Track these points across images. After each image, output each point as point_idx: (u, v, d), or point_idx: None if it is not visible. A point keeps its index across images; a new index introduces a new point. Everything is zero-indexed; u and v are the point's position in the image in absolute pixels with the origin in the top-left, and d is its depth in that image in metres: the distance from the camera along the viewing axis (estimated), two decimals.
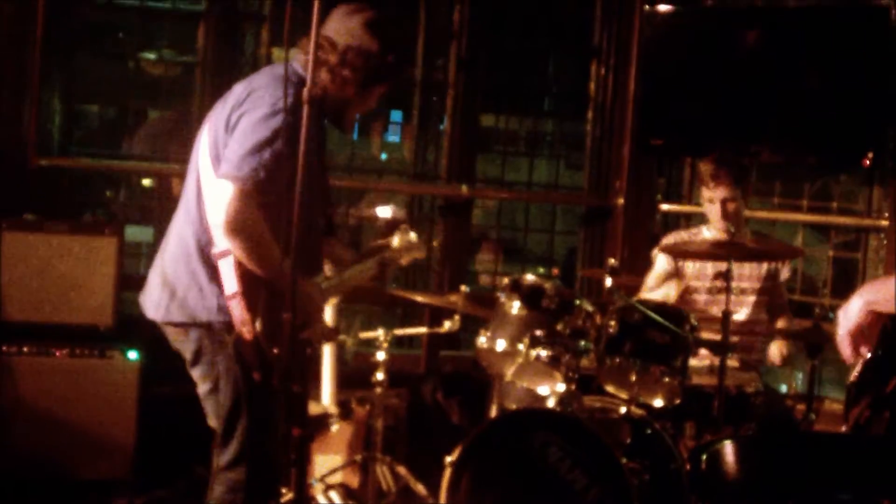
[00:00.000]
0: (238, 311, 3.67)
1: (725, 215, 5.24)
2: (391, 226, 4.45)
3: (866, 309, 3.10)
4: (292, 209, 3.22)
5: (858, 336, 3.11)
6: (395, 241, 4.26)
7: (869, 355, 3.10)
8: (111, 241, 5.58)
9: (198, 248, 3.82)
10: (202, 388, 3.93)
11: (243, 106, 3.75)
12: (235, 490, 3.89)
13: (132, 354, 5.45)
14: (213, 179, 3.74)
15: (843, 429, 3.26)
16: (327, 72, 3.85)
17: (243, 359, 3.75)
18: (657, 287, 5.49)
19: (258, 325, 3.66)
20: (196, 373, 3.93)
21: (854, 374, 3.19)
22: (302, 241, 3.38)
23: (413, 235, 4.32)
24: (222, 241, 3.70)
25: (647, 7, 6.50)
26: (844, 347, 3.15)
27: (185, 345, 3.91)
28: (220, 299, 3.75)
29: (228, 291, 3.70)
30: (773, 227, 6.73)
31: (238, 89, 3.87)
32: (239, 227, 3.61)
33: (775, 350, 5.30)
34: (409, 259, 4.31)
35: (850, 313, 3.13)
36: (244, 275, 3.68)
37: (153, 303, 3.93)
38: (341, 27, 3.84)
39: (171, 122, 6.91)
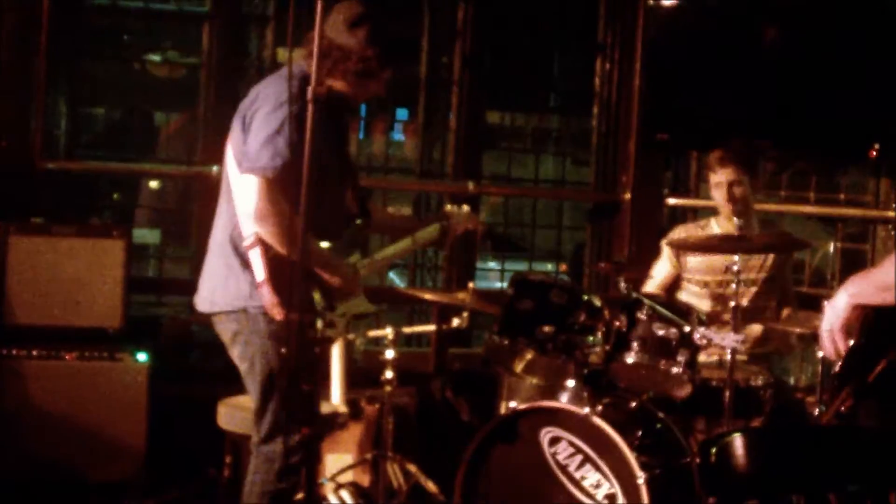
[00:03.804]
0: (268, 295, 3.99)
1: (732, 198, 5.27)
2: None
3: (852, 303, 3.10)
4: (313, 195, 3.47)
5: (845, 330, 3.12)
6: (449, 208, 4.77)
7: (851, 343, 3.11)
8: (119, 243, 5.58)
9: (230, 241, 4.17)
10: (241, 368, 4.25)
11: (254, 105, 4.11)
12: (272, 460, 4.17)
13: (141, 356, 5.45)
14: (237, 176, 4.07)
15: (825, 419, 3.27)
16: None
17: (276, 337, 4.06)
18: (664, 282, 5.52)
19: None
20: (234, 353, 4.25)
21: (839, 364, 3.20)
22: (328, 224, 4.04)
23: (465, 207, 4.82)
24: (251, 233, 4.01)
25: (651, 2, 6.50)
26: (829, 343, 3.14)
27: (224, 328, 4.24)
28: (252, 286, 4.08)
29: (258, 278, 4.02)
30: (782, 219, 6.72)
31: (252, 91, 4.23)
32: (266, 215, 3.93)
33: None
34: (463, 228, 4.72)
35: (837, 308, 3.13)
36: (272, 262, 3.98)
37: (202, 298, 4.31)
38: (329, 24, 4.13)
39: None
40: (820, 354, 4.67)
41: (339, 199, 4.36)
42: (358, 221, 4.51)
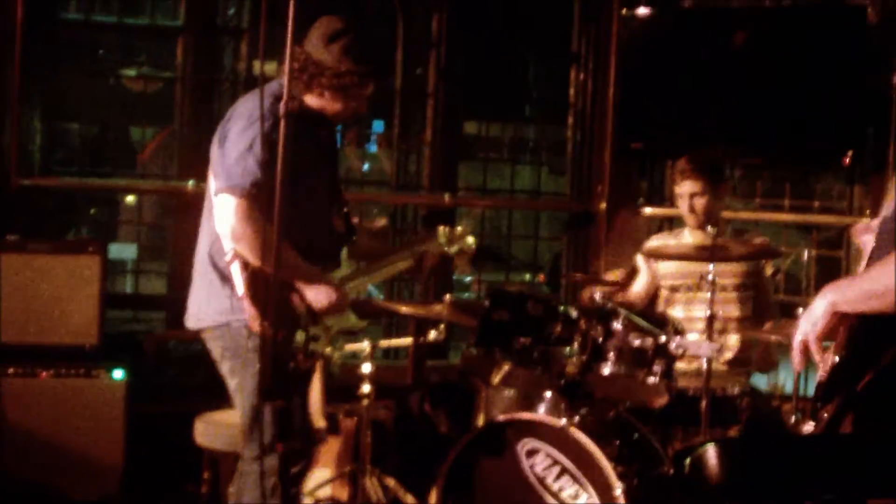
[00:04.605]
0: (249, 309, 3.94)
1: (692, 210, 5.28)
2: (383, 233, 4.64)
3: (832, 310, 3.07)
4: (300, 214, 3.56)
5: (822, 339, 3.09)
6: (440, 233, 4.67)
7: (836, 358, 3.09)
8: (94, 259, 5.56)
9: (209, 256, 4.17)
10: (230, 385, 4.22)
11: (228, 123, 4.10)
12: (269, 475, 4.05)
13: (118, 373, 5.43)
14: (214, 194, 4.05)
15: (813, 428, 3.26)
16: (296, 79, 4.11)
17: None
18: (645, 293, 5.54)
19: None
20: (223, 369, 4.22)
21: (821, 373, 3.19)
22: (314, 242, 4.06)
23: (459, 228, 4.74)
24: (230, 249, 3.99)
25: (624, 11, 6.52)
26: (799, 353, 3.11)
27: (213, 345, 4.22)
28: (233, 300, 4.06)
29: (239, 293, 4.00)
30: (756, 226, 6.74)
31: (231, 109, 4.22)
32: (241, 234, 3.90)
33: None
34: (457, 249, 4.69)
35: (815, 316, 3.09)
36: (251, 276, 3.94)
37: (189, 314, 4.29)
38: (308, 38, 4.14)
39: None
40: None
41: (330, 220, 4.33)
42: (354, 239, 4.46)
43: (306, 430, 4.36)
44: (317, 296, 4.06)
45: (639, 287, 5.56)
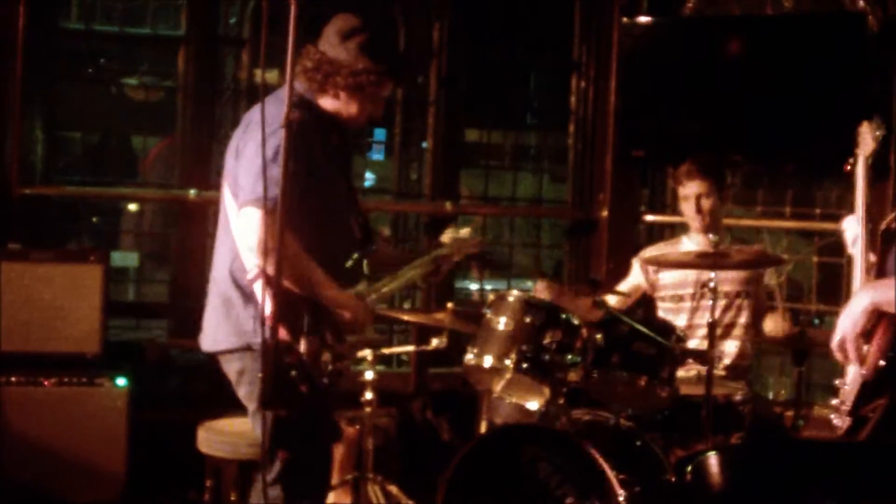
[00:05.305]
0: (280, 331, 3.63)
1: (700, 210, 5.30)
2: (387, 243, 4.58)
3: (871, 310, 3.15)
4: (319, 223, 3.49)
5: (862, 336, 3.17)
6: (446, 237, 4.57)
7: (882, 361, 3.16)
8: (96, 268, 5.57)
9: (231, 275, 3.97)
10: (249, 408, 4.06)
11: (247, 133, 3.91)
12: (272, 485, 3.91)
13: (120, 381, 5.44)
14: (235, 209, 3.85)
15: (847, 424, 3.30)
16: (310, 80, 4.01)
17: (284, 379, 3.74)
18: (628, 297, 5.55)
19: (303, 343, 3.73)
20: (240, 392, 4.05)
21: (862, 371, 3.24)
22: (337, 254, 3.86)
23: (463, 231, 4.63)
24: (253, 266, 3.79)
25: (625, 19, 6.53)
26: (842, 350, 3.19)
27: (229, 367, 4.04)
28: (255, 321, 3.86)
29: (265, 313, 3.68)
30: (759, 233, 6.75)
31: (245, 117, 4.06)
32: (269, 248, 3.63)
33: (772, 324, 5.34)
34: (463, 254, 4.55)
35: (854, 313, 3.17)
36: (278, 295, 3.59)
37: (204, 336, 4.11)
38: (322, 37, 4.01)
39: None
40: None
41: (349, 229, 4.16)
42: (374, 247, 4.31)
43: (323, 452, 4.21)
44: (344, 314, 3.90)
45: (623, 287, 5.57)
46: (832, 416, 3.53)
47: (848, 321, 3.19)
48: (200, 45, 6.52)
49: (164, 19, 6.83)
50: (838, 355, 3.22)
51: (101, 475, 5.36)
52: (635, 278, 5.61)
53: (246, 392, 4.02)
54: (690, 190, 5.34)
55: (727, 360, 5.34)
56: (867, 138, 3.92)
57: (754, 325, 5.44)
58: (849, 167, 4.05)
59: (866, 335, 3.23)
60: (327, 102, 4.06)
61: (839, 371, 3.58)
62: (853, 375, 3.44)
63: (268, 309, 3.64)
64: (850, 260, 6.41)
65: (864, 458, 3.07)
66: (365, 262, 4.18)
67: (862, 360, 3.23)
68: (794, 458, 3.14)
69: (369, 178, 8.52)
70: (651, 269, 5.52)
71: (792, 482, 3.02)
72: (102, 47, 7.00)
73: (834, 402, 3.56)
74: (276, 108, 3.70)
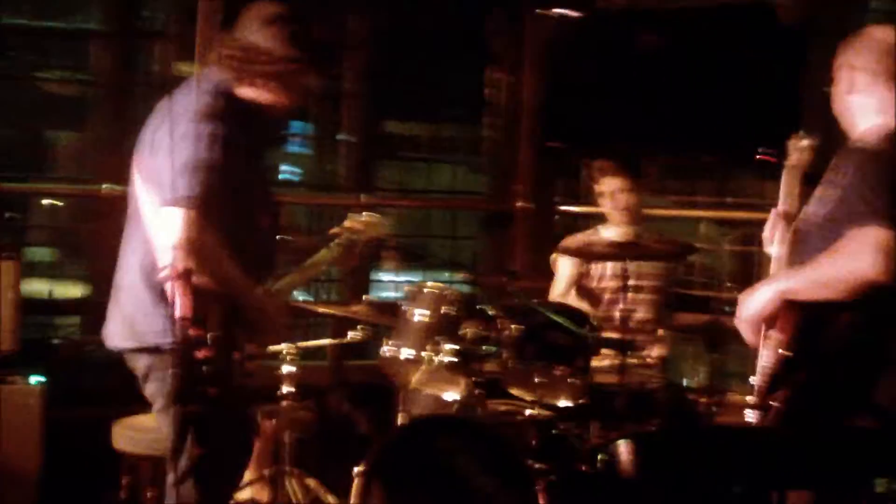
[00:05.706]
0: (187, 331, 3.54)
1: (618, 206, 5.34)
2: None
3: (780, 297, 3.24)
4: (233, 217, 3.42)
5: (766, 321, 3.25)
6: (349, 222, 4.47)
7: (786, 351, 3.22)
8: (9, 264, 5.50)
9: (142, 272, 3.84)
10: (155, 406, 3.98)
11: (163, 126, 3.74)
12: (188, 501, 3.86)
13: (34, 379, 5.38)
14: (154, 206, 3.71)
15: (755, 414, 3.36)
16: (226, 68, 3.89)
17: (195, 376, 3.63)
18: (568, 293, 5.56)
19: (215, 341, 3.63)
20: (148, 390, 3.97)
21: (765, 362, 3.31)
22: (247, 247, 3.73)
23: (366, 214, 4.54)
24: (168, 263, 3.56)
25: (540, 11, 6.57)
26: (749, 332, 3.28)
27: (137, 364, 3.95)
28: (166, 321, 3.67)
29: (178, 313, 3.54)
30: (673, 222, 6.82)
31: (158, 108, 3.91)
32: (191, 247, 3.53)
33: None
34: (370, 235, 4.48)
35: (761, 299, 3.26)
36: (193, 294, 3.50)
37: (109, 332, 4.01)
38: (241, 25, 3.90)
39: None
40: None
41: (259, 220, 4.02)
42: (288, 238, 4.28)
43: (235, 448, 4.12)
44: (258, 312, 3.86)
45: (561, 287, 5.59)
46: (746, 412, 3.58)
47: (754, 303, 3.29)
48: (116, 38, 6.45)
49: (78, 12, 6.75)
50: (750, 335, 3.31)
51: (13, 476, 5.27)
52: (567, 271, 5.60)
53: (153, 389, 3.94)
54: (607, 186, 5.38)
55: (655, 353, 5.39)
56: (793, 151, 4.00)
57: (670, 314, 5.51)
58: (758, 157, 4.14)
59: (771, 321, 3.31)
60: (244, 91, 3.93)
61: (753, 360, 3.64)
62: (759, 368, 3.50)
63: (180, 308, 3.53)
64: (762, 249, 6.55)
65: (770, 445, 3.13)
66: (275, 255, 4.15)
67: (763, 345, 3.32)
68: (702, 444, 3.19)
69: (287, 170, 8.48)
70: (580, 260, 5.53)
71: (701, 468, 3.06)
72: (14, 41, 6.90)
73: (749, 398, 3.62)
74: (189, 98, 3.70)
